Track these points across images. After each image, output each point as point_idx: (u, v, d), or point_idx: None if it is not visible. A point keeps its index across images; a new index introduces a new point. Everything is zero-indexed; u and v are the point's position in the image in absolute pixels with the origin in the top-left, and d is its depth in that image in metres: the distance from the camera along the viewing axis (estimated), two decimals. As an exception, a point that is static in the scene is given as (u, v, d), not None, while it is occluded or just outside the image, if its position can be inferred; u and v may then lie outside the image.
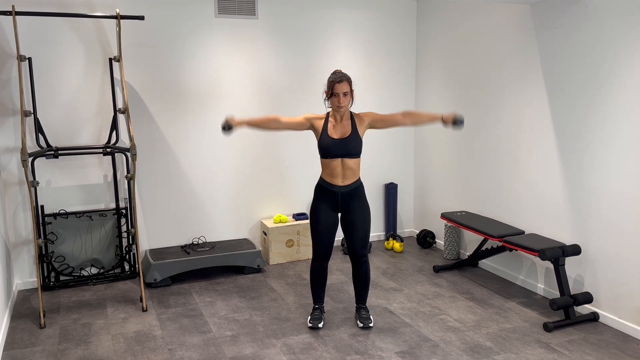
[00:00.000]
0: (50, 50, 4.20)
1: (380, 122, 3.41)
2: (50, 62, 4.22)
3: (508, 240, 3.88)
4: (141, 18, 4.13)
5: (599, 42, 3.50)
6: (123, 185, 4.56)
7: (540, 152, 4.03)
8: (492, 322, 3.65)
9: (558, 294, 3.96)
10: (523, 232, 4.07)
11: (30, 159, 4.14)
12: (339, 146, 3.33)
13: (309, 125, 3.40)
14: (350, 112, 3.40)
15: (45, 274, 4.30)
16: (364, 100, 5.28)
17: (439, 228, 5.37)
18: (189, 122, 4.71)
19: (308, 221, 4.69)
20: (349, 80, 3.29)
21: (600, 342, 3.35)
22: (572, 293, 3.83)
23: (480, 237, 4.75)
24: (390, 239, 5.35)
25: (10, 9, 3.78)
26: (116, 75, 4.41)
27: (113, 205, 4.55)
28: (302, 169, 5.21)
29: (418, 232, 5.46)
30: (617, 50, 3.38)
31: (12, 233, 4.27)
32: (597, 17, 3.49)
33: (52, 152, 4.05)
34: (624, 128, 3.37)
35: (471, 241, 4.91)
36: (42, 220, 4.25)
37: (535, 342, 3.35)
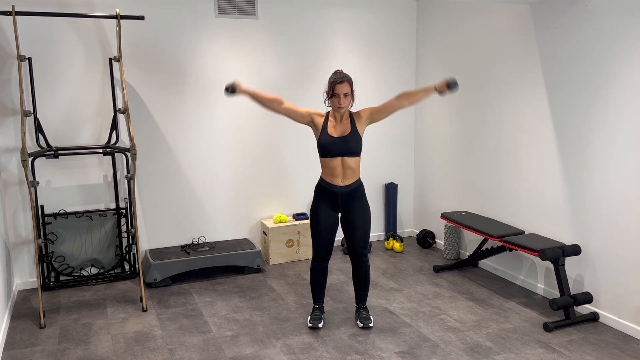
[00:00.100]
0: (50, 50, 4.20)
1: (377, 113, 3.39)
2: (50, 62, 4.22)
3: (508, 240, 3.88)
4: (141, 18, 4.13)
5: (599, 42, 3.50)
6: (123, 185, 4.56)
7: (540, 152, 4.03)
8: (492, 322, 3.65)
9: (558, 294, 3.96)
10: (523, 232, 4.07)
11: (30, 159, 4.14)
12: (338, 144, 3.32)
13: (309, 119, 3.40)
14: (349, 112, 3.41)
15: (45, 274, 4.30)
16: (364, 101, 5.28)
17: (439, 228, 5.37)
18: (189, 122, 4.71)
19: (308, 221, 4.69)
20: (349, 81, 3.29)
21: (600, 342, 3.35)
22: (572, 293, 3.83)
23: (480, 237, 4.76)
24: (390, 239, 5.36)
25: (10, 9, 3.78)
26: (116, 75, 4.41)
27: (113, 205, 4.55)
28: (302, 169, 5.21)
29: (418, 232, 5.46)
30: (617, 50, 3.38)
31: (12, 233, 4.27)
32: (597, 17, 3.49)
33: (52, 152, 4.05)
34: (624, 128, 3.37)
35: (471, 241, 4.92)
36: (42, 220, 4.25)
37: (535, 342, 3.35)
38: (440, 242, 5.36)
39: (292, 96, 5.02)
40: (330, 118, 3.39)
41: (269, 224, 4.93)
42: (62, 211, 4.35)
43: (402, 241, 5.28)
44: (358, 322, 3.60)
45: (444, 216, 4.61)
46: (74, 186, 4.42)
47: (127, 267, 4.64)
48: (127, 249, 4.51)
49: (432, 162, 5.37)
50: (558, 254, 3.60)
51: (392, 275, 4.59)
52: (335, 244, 5.37)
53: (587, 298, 3.62)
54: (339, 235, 5.45)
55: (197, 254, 4.50)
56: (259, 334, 3.49)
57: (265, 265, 4.84)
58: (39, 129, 4.16)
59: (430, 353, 3.23)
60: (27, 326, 3.64)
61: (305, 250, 5.02)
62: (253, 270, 4.66)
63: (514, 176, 4.32)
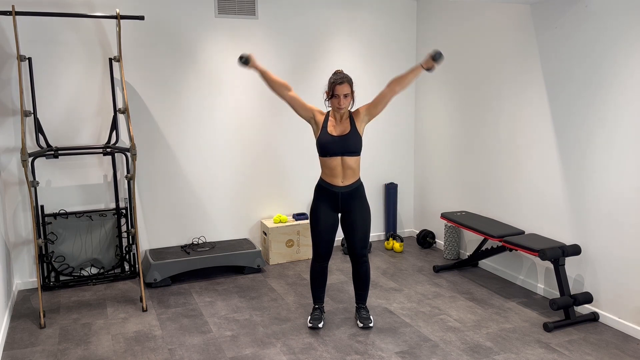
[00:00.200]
0: (50, 50, 4.20)
1: (374, 107, 3.38)
2: (50, 62, 4.22)
3: (508, 240, 3.88)
4: (141, 18, 4.13)
5: (599, 42, 3.50)
6: (123, 185, 4.56)
7: (540, 152, 4.03)
8: (492, 322, 3.65)
9: (558, 294, 3.96)
10: (523, 232, 4.07)
11: (30, 159, 4.14)
12: (338, 143, 3.32)
13: (311, 115, 3.40)
14: (349, 111, 3.41)
15: (45, 274, 4.30)
16: (365, 101, 5.27)
17: (439, 228, 5.37)
18: (189, 122, 4.71)
19: (308, 221, 4.69)
20: (349, 82, 3.29)
21: (600, 342, 3.35)
22: (572, 293, 3.83)
23: (480, 237, 4.76)
24: (390, 239, 5.36)
25: (10, 9, 3.78)
26: (116, 75, 4.41)
27: (113, 205, 4.55)
28: (302, 169, 5.21)
29: (418, 232, 5.46)
30: (617, 50, 3.38)
31: (12, 233, 4.27)
32: (597, 17, 3.49)
33: (52, 152, 4.05)
34: (624, 128, 3.37)
35: (471, 241, 4.92)
36: (42, 220, 4.25)
37: (535, 342, 3.35)
38: (440, 242, 5.36)
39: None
40: (330, 117, 3.39)
41: (269, 224, 4.93)
42: (62, 211, 4.35)
43: (402, 241, 5.28)
44: (358, 322, 3.60)
45: (444, 216, 4.61)
46: (74, 186, 4.42)
47: (127, 267, 4.64)
48: (127, 249, 4.51)
49: (432, 162, 5.37)
50: (558, 254, 3.60)
51: (392, 275, 4.59)
52: (335, 244, 5.37)
53: (587, 298, 3.62)
54: (339, 235, 5.45)
55: (197, 254, 4.50)
56: (259, 334, 3.49)
57: (265, 265, 4.84)
58: (39, 129, 4.16)
59: (430, 353, 3.23)
60: (27, 326, 3.64)
61: (305, 250, 5.02)
62: (253, 270, 4.66)
63: (514, 176, 4.32)
